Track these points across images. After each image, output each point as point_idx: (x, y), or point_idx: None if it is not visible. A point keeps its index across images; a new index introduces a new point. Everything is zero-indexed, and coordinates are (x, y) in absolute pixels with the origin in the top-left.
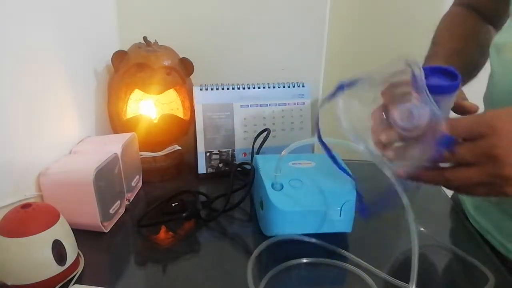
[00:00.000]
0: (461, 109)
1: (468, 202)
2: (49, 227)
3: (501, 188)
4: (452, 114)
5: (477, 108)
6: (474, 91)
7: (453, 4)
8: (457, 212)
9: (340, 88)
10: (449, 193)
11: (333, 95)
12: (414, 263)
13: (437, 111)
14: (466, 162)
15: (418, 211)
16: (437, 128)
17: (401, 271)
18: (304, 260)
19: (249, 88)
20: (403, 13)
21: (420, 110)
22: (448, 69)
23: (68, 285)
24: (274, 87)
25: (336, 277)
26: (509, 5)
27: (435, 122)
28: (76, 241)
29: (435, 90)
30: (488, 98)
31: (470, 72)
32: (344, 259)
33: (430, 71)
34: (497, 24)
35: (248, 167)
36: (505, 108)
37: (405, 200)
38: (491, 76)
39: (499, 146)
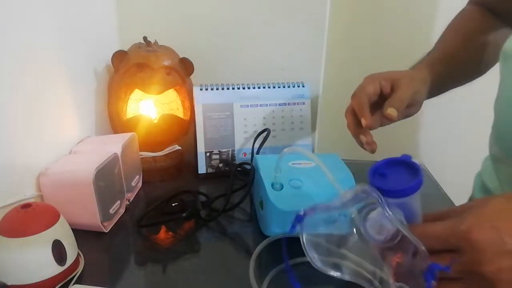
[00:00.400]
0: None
1: None
2: (49, 227)
3: None
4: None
5: (392, 117)
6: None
7: (468, 3)
8: None
9: (298, 219)
10: (453, 199)
11: (293, 227)
12: None
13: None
14: (454, 278)
15: None
16: (421, 263)
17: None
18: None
19: (249, 88)
20: (403, 13)
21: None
22: (407, 161)
23: (68, 285)
24: (274, 87)
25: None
26: None
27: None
28: (76, 241)
29: (397, 195)
30: (496, 104)
31: (473, 71)
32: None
33: (389, 165)
34: (510, 23)
35: (248, 167)
36: (476, 206)
37: None
38: (500, 82)
39: (484, 262)
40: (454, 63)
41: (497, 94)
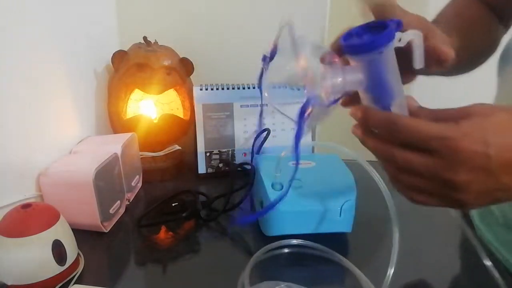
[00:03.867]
0: (434, 53)
1: (474, 212)
2: (49, 227)
3: (453, 205)
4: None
5: (451, 56)
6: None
7: None
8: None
9: (263, 59)
10: None
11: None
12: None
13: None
14: (415, 172)
15: (422, 219)
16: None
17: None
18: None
19: (249, 88)
20: None
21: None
22: (380, 23)
23: (68, 285)
24: (274, 87)
25: (336, 276)
26: None
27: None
28: (76, 241)
29: (351, 51)
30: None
31: (471, 55)
32: (343, 259)
33: (367, 28)
34: (505, 22)
35: (248, 167)
36: (477, 115)
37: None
38: (501, 84)
39: (459, 172)
40: (468, 37)
41: (497, 96)
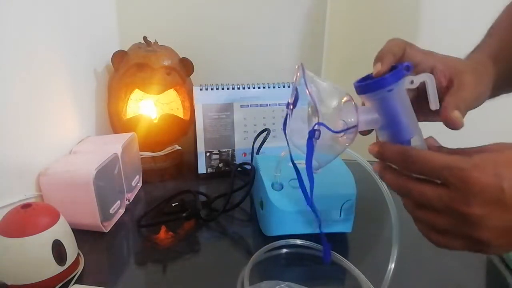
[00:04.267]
0: (444, 119)
1: None
2: (49, 227)
3: (476, 247)
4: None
5: (458, 125)
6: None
7: None
8: None
9: (287, 106)
10: None
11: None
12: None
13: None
14: (430, 206)
15: None
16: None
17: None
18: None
19: (249, 88)
20: (403, 13)
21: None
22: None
23: (68, 285)
24: (274, 87)
25: (335, 276)
26: None
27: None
28: (76, 241)
29: (361, 91)
30: None
31: None
32: (343, 260)
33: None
34: None
35: (248, 167)
36: (490, 150)
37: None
38: None
39: (473, 205)
40: None
41: None
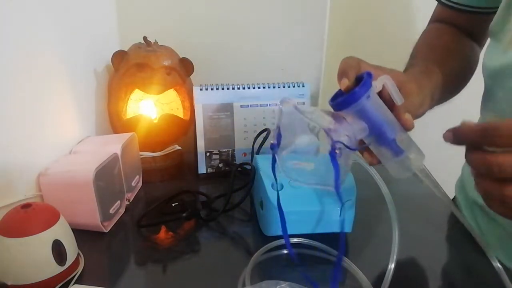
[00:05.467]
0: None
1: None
2: (49, 227)
3: None
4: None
5: (410, 125)
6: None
7: (430, 22)
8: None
9: (272, 147)
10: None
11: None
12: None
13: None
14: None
15: (422, 219)
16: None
17: (401, 271)
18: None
19: (249, 88)
20: (403, 13)
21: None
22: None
23: (68, 285)
24: (274, 87)
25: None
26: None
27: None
28: (76, 241)
29: (342, 106)
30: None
31: (454, 83)
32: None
33: (341, 92)
34: (479, 40)
35: (248, 167)
36: None
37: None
38: (491, 99)
39: None
40: (448, 66)
41: (485, 111)
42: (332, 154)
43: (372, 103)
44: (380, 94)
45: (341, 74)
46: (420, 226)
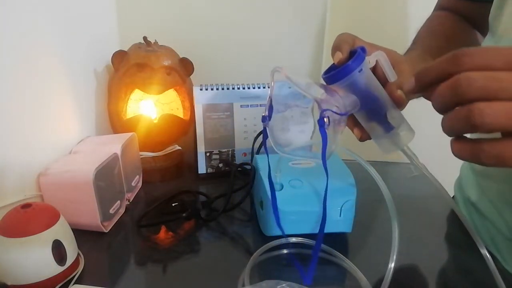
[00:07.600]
0: (391, 97)
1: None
2: (49, 227)
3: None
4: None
5: (402, 101)
6: None
7: (434, 9)
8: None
9: (263, 120)
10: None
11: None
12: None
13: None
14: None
15: (422, 219)
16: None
17: (400, 271)
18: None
19: (249, 88)
20: (403, 13)
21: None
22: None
23: (68, 285)
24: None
25: (336, 276)
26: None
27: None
28: (76, 241)
29: (335, 79)
30: None
31: None
32: (343, 259)
33: (335, 66)
34: (482, 29)
35: (248, 167)
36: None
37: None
38: None
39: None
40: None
41: None
42: (320, 122)
43: (364, 77)
44: (373, 70)
45: (335, 48)
46: (420, 226)
